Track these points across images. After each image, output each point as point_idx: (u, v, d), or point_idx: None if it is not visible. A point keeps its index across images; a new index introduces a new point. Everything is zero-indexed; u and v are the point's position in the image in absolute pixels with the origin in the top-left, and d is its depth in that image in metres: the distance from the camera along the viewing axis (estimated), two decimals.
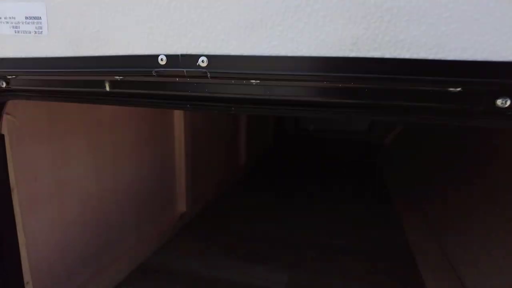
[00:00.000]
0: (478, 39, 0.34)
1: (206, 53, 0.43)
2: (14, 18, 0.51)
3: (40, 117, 0.86)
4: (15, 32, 0.51)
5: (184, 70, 0.44)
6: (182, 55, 0.44)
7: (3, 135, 0.69)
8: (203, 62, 0.43)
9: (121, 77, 0.49)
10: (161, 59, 0.45)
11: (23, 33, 0.51)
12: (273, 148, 3.38)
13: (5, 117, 0.69)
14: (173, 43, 0.44)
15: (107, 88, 0.51)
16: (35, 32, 0.50)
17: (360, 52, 0.38)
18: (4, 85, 0.56)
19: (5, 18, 0.51)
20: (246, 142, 2.50)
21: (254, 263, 1.27)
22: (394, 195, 2.01)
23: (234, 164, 2.41)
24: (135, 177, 1.26)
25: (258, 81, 0.43)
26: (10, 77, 0.55)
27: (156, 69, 0.45)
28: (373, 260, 1.30)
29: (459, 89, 0.36)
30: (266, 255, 1.33)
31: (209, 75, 0.43)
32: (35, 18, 0.50)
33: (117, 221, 1.18)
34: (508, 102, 0.35)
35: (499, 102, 0.36)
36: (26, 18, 0.50)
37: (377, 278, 1.18)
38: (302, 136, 4.20)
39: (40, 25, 0.50)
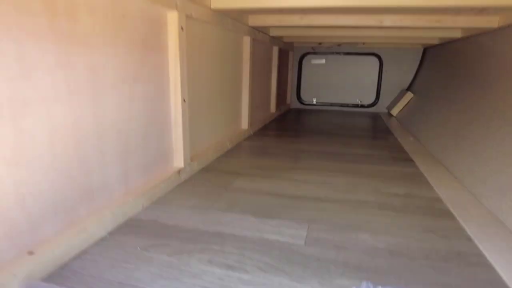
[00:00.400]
0: None
1: None
2: None
3: None
4: None
5: None
6: None
7: None
8: None
9: None
10: None
11: None
12: (276, 118, 3.16)
13: None
14: None
15: None
16: None
17: None
18: None
19: None
20: (250, 105, 2.28)
21: (265, 218, 1.06)
22: (413, 157, 1.82)
23: (237, 126, 2.19)
24: (121, 117, 1.04)
25: None
26: None
27: None
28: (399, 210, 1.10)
29: None
30: (281, 209, 1.12)
31: None
32: None
33: (99, 165, 0.96)
34: None
35: None
36: None
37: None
38: (306, 110, 3.99)
39: None
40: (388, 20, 1.90)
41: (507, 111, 1.41)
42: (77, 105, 0.86)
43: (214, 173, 1.51)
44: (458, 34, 2.32)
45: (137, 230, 0.98)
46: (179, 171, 1.37)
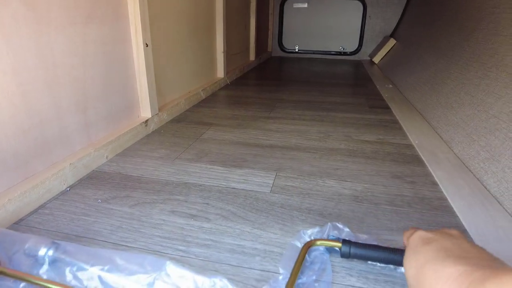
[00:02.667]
0: None
1: None
2: None
3: None
4: None
5: None
6: None
7: None
8: None
9: None
10: None
11: None
12: (256, 67, 3.06)
13: None
14: None
15: None
16: None
17: None
18: None
19: None
20: (225, 51, 2.17)
21: (233, 167, 1.04)
22: (390, 104, 1.80)
23: (212, 75, 2.11)
24: (74, 62, 0.95)
25: None
26: None
27: None
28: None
29: None
30: (249, 159, 1.10)
31: None
32: None
33: (54, 116, 0.90)
34: None
35: None
36: None
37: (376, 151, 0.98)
38: (288, 58, 3.87)
39: None
40: None
41: (483, 56, 1.38)
42: (18, 48, 0.78)
43: (185, 123, 1.46)
44: None
45: (100, 183, 0.94)
46: (146, 122, 1.31)
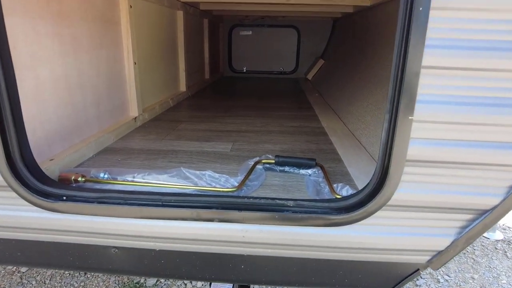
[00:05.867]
0: None
1: None
2: None
3: None
4: None
5: None
6: None
7: None
8: None
9: None
10: None
11: None
12: (210, 84, 3.60)
13: None
14: None
15: None
16: None
17: None
18: None
19: None
20: (186, 70, 2.69)
21: (204, 142, 1.55)
22: (314, 106, 2.43)
23: (177, 88, 2.61)
24: (93, 73, 1.42)
25: None
26: None
27: None
28: (296, 134, 1.67)
29: None
30: (214, 138, 1.62)
31: None
32: None
33: (83, 108, 1.36)
34: None
35: None
36: None
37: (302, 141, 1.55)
38: (238, 77, 4.46)
39: None
40: None
41: (377, 68, 2.05)
42: (66, 63, 1.25)
43: (162, 121, 1.95)
44: (350, 10, 2.95)
45: (114, 152, 1.40)
46: (135, 118, 1.78)
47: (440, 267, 0.87)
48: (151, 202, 0.84)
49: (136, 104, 1.80)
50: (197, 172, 1.04)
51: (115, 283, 2.23)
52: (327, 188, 1.01)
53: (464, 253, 2.57)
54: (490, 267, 2.42)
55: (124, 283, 2.22)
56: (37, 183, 0.85)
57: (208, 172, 1.03)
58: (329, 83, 2.96)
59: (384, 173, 0.80)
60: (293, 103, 2.57)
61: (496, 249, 2.63)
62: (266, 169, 1.20)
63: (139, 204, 0.84)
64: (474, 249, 2.62)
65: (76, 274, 2.29)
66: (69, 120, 1.28)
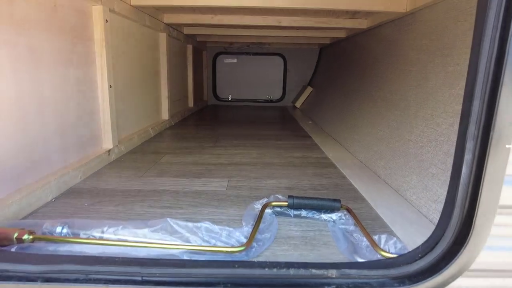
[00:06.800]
0: None
1: None
2: None
3: None
4: None
5: None
6: None
7: None
8: None
9: None
10: None
11: None
12: (195, 112, 3.36)
13: None
14: None
15: None
16: None
17: None
18: None
19: None
20: (169, 97, 2.45)
21: (193, 178, 1.29)
22: (311, 134, 2.22)
23: (159, 116, 2.35)
24: (57, 93, 1.15)
25: None
26: None
27: None
28: (301, 166, 1.43)
29: None
30: (205, 173, 1.35)
31: None
32: None
33: (41, 138, 1.08)
34: None
35: None
36: None
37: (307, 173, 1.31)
38: (223, 105, 4.26)
39: None
40: (285, 21, 2.28)
41: (373, 92, 1.87)
42: (20, 81, 0.98)
43: (141, 154, 1.67)
44: (343, 35, 2.83)
45: (80, 195, 1.11)
46: (108, 152, 1.50)
47: None
48: (125, 277, 0.57)
49: (110, 134, 1.52)
50: (190, 224, 0.77)
51: None
52: (364, 241, 0.75)
53: None
54: None
55: None
56: None
57: (204, 225, 0.76)
58: (322, 111, 2.78)
59: (465, 225, 0.56)
60: (287, 131, 2.35)
61: None
62: (277, 213, 0.95)
63: (108, 280, 0.56)
64: None
65: None
66: (21, 154, 0.99)
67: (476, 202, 0.55)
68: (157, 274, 0.57)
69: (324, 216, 0.91)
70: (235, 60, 4.24)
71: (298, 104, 3.85)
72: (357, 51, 2.56)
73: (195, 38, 3.34)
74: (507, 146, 0.52)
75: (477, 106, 0.54)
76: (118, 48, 1.61)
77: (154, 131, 2.14)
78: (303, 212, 0.93)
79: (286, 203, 0.93)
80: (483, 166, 0.53)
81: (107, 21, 1.43)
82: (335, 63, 3.28)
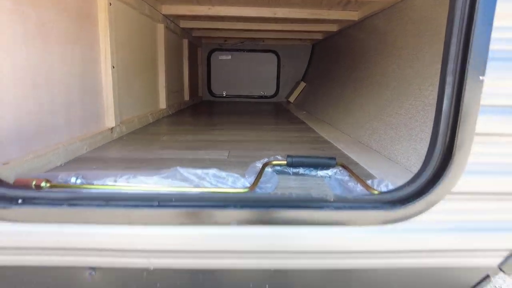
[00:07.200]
0: None
1: None
2: None
3: None
4: None
5: None
6: None
7: None
8: None
9: None
10: None
11: None
12: (191, 106, 3.42)
13: None
14: None
15: None
16: None
17: None
18: None
19: None
20: (167, 87, 2.51)
21: (196, 150, 1.34)
22: (305, 121, 2.30)
23: (157, 105, 2.41)
24: (64, 67, 1.21)
25: None
26: None
27: None
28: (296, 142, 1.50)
29: None
30: (207, 147, 1.41)
31: None
32: None
33: (49, 109, 1.13)
34: None
35: None
36: None
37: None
38: (217, 101, 4.32)
39: None
40: (280, 12, 2.36)
41: (365, 79, 1.96)
42: (31, 52, 1.03)
43: (143, 134, 1.73)
44: (334, 28, 2.93)
45: (87, 162, 1.17)
46: (111, 129, 1.55)
47: None
48: (143, 202, 0.62)
49: (113, 113, 1.57)
50: (198, 171, 0.83)
51: None
52: (359, 187, 0.82)
53: None
54: None
55: None
56: None
57: (212, 171, 0.83)
58: (316, 102, 2.86)
59: (447, 153, 0.63)
60: (282, 120, 2.42)
61: None
62: (277, 172, 1.01)
63: (127, 205, 0.62)
64: None
65: None
66: (31, 122, 1.05)
67: (456, 131, 0.62)
68: (173, 199, 0.63)
69: (321, 173, 0.98)
70: (229, 57, 4.31)
71: (291, 99, 3.93)
72: (349, 44, 2.65)
73: (191, 33, 3.41)
74: (481, 77, 0.59)
75: (454, 45, 0.61)
76: (120, 32, 1.66)
77: (152, 117, 2.19)
78: (301, 170, 1.00)
79: (285, 162, 0.99)
80: (460, 98, 0.61)
81: (110, 4, 1.49)
82: (327, 57, 3.37)
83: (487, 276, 0.69)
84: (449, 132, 0.63)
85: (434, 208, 0.64)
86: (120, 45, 1.67)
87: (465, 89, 0.60)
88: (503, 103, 0.61)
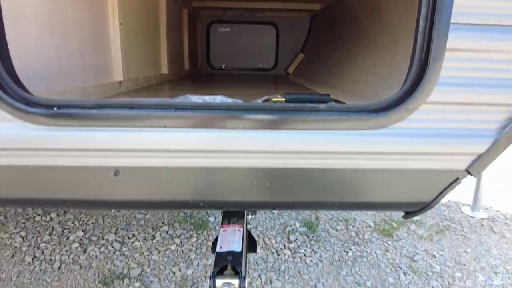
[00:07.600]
0: None
1: None
2: None
3: None
4: None
5: None
6: None
7: None
8: None
9: None
10: None
11: None
12: (190, 76, 3.50)
13: None
14: None
15: None
16: None
17: None
18: None
19: None
20: (168, 52, 2.59)
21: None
22: (304, 85, 2.40)
23: (159, 69, 2.49)
24: (77, 14, 1.29)
25: None
26: None
27: None
28: None
29: None
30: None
31: None
32: None
33: (65, 52, 1.22)
34: None
35: None
36: None
37: None
38: (217, 73, 4.39)
39: None
40: None
41: (359, 44, 2.05)
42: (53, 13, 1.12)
43: (148, 91, 1.82)
44: None
45: None
46: (120, 83, 1.65)
47: (479, 174, 0.81)
48: (161, 107, 0.73)
49: (121, 68, 1.66)
50: (206, 97, 0.94)
51: (95, 275, 2.02)
52: None
53: (454, 231, 2.58)
54: (480, 241, 2.43)
55: (105, 275, 2.02)
56: (18, 89, 0.72)
57: (218, 97, 0.93)
58: (313, 70, 2.95)
59: (422, 66, 0.73)
60: (282, 85, 2.52)
61: (483, 225, 2.66)
62: None
63: (150, 108, 0.73)
64: (463, 227, 2.63)
65: (49, 269, 2.05)
66: (51, 63, 1.14)
67: (430, 47, 0.72)
68: (188, 106, 0.73)
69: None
70: (228, 29, 4.35)
71: (290, 70, 4.00)
72: (345, 13, 2.71)
73: (191, 3, 3.45)
74: None
75: None
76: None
77: (156, 80, 2.28)
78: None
79: (284, 99, 1.10)
80: (434, 18, 0.71)
81: None
82: (325, 28, 3.44)
83: (457, 179, 0.81)
84: (424, 48, 0.73)
85: (411, 116, 0.75)
86: (126, 4, 1.74)
87: (437, 8, 0.69)
88: (471, 22, 0.71)
